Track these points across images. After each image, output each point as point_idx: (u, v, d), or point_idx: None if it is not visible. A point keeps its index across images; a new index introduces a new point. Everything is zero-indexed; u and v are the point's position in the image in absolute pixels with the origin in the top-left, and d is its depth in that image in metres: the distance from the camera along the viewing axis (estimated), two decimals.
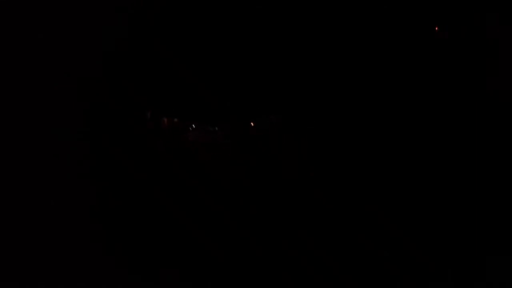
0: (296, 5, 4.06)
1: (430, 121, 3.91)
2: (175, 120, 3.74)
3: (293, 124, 4.01)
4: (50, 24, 3.83)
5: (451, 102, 3.92)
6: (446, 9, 3.97)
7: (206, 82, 4.04)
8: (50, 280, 3.54)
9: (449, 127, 3.88)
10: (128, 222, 3.81)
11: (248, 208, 3.83)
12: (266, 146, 3.99)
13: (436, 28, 3.83)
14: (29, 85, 3.83)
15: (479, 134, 3.82)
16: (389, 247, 3.64)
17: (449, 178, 3.79)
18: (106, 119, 3.99)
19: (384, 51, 4.05)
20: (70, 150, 3.83)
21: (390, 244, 3.64)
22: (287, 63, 4.07)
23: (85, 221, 3.76)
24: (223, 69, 4.07)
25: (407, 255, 3.60)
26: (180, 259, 3.72)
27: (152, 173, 3.90)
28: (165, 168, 3.93)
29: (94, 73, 3.95)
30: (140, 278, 3.65)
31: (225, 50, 4.08)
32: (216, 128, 3.70)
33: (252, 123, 3.67)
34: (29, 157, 3.75)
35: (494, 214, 3.66)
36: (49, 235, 3.64)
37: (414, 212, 3.72)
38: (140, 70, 4.04)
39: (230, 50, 4.08)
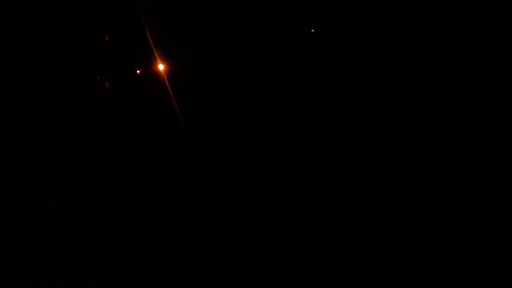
0: (293, 7, 4.08)
1: (430, 121, 3.91)
2: None
3: (293, 124, 4.01)
4: (50, 24, 3.83)
5: (451, 102, 3.92)
6: (446, 9, 3.97)
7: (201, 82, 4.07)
8: (50, 280, 3.55)
9: (449, 127, 3.88)
10: (128, 222, 3.82)
11: (248, 208, 3.83)
12: (266, 146, 4.00)
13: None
14: (29, 85, 3.83)
15: (479, 134, 3.82)
16: (389, 247, 3.64)
17: (449, 178, 3.79)
18: (107, 119, 4.00)
19: (384, 51, 4.06)
20: (70, 150, 3.83)
21: (390, 244, 3.65)
22: (287, 64, 4.08)
23: (85, 221, 3.76)
24: (224, 69, 4.08)
25: (407, 255, 3.61)
26: (180, 259, 3.73)
27: (152, 173, 3.91)
28: (165, 168, 3.94)
29: (94, 73, 3.96)
30: (140, 277, 3.65)
31: (225, 50, 4.09)
32: None
33: None
34: (29, 157, 3.75)
35: (494, 214, 3.66)
36: (49, 235, 3.64)
37: (414, 212, 3.72)
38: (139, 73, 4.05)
39: (229, 50, 4.09)
